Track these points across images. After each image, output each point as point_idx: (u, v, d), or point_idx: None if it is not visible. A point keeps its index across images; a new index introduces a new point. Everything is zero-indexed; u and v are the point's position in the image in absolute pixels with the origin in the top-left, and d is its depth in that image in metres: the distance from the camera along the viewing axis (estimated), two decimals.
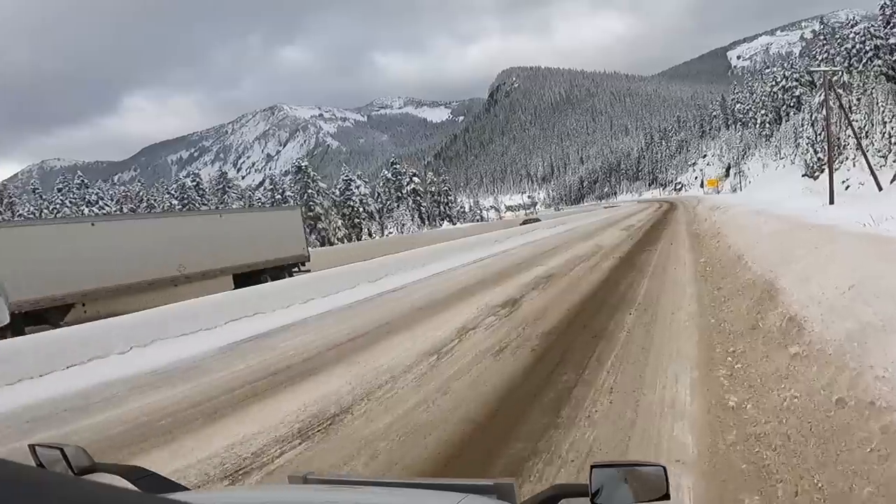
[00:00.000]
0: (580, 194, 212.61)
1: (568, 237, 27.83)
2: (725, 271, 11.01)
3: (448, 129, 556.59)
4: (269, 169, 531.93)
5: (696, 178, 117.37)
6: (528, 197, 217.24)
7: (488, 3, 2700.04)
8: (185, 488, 1.57)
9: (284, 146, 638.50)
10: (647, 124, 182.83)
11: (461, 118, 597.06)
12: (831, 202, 33.02)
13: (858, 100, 49.25)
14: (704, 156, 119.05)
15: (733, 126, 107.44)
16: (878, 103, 47.56)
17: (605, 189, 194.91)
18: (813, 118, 56.76)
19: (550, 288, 12.12)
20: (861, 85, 52.28)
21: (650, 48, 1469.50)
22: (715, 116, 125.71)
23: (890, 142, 44.37)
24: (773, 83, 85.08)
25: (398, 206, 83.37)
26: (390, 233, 74.92)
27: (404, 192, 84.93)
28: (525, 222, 47.81)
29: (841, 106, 37.94)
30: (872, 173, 34.10)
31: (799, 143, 63.12)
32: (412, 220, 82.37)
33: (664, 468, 1.41)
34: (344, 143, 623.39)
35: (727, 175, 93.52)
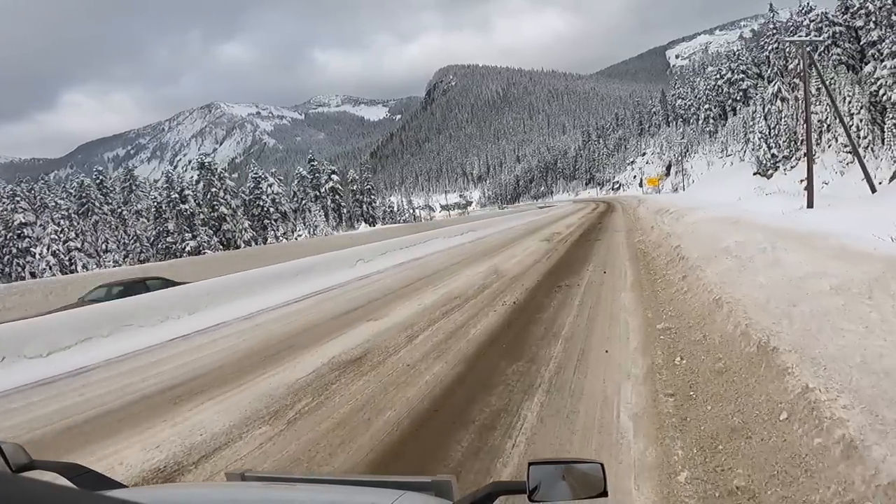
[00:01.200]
0: (516, 193, 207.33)
1: (468, 252, 21.42)
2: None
3: (385, 128, 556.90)
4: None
5: (634, 176, 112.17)
6: (461, 196, 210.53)
7: (429, 1, 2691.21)
8: (122, 485, 1.59)
9: (221, 144, 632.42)
10: (585, 122, 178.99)
11: (398, 116, 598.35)
12: (810, 205, 26.58)
13: (818, 90, 43.55)
14: (643, 154, 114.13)
15: (674, 123, 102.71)
16: (841, 93, 41.90)
17: (542, 188, 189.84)
18: (766, 110, 51.26)
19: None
20: (818, 75, 46.64)
21: (590, 47, 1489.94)
22: (655, 113, 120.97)
23: (859, 135, 38.60)
24: (718, 76, 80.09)
25: (316, 205, 76.38)
26: (300, 235, 67.26)
27: (322, 190, 78.87)
28: None
29: (807, 95, 31.71)
30: (865, 171, 27.97)
31: (749, 139, 57.75)
32: (326, 220, 75.40)
33: (601, 465, 1.46)
34: (280, 142, 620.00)
35: (668, 174, 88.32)
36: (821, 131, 45.15)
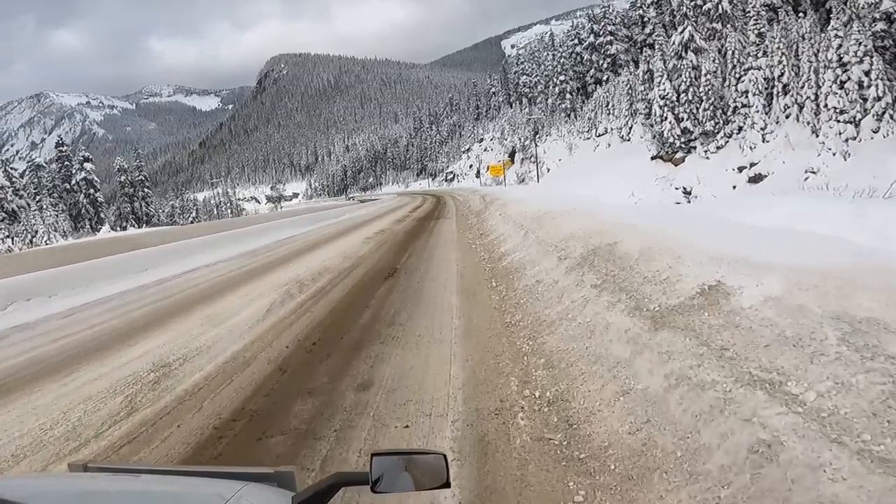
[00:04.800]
0: (343, 185, 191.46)
1: None
2: None
3: (217, 118, 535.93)
4: (34, 157, 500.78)
5: (471, 166, 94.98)
6: (273, 188, 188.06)
7: None
8: None
9: (50, 134, 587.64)
10: (418, 110, 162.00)
11: (231, 106, 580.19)
12: None
13: (760, 35, 26.71)
14: (481, 140, 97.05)
15: (517, 103, 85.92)
16: (805, 39, 25.60)
17: (370, 179, 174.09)
18: (669, 67, 33.94)
19: None
20: (757, 18, 30.28)
21: (428, 37, 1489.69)
22: (494, 94, 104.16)
23: (860, 95, 22.02)
24: (576, 41, 63.36)
25: (63, 201, 59.21)
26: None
27: (73, 182, 60.29)
28: None
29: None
30: None
31: (638, 110, 40.86)
32: (76, 222, 58.27)
33: (444, 456, 1.50)
34: (110, 132, 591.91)
35: (512, 161, 70.97)
36: (770, 93, 28.40)
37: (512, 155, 73.69)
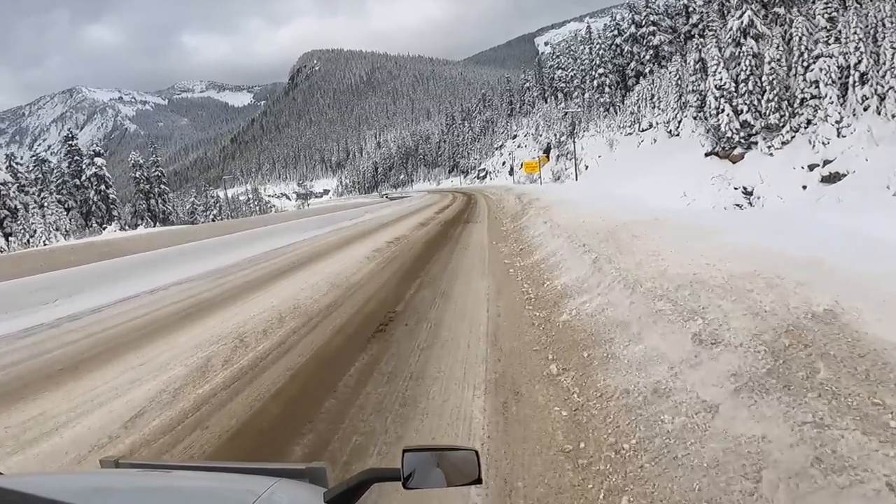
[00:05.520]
0: (374, 182, 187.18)
1: None
2: None
3: (250, 114, 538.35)
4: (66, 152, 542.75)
5: (503, 163, 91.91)
6: (300, 185, 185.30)
7: None
8: None
9: (81, 129, 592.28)
10: (451, 107, 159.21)
11: (263, 103, 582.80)
12: None
13: (831, 20, 23.94)
14: (514, 136, 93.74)
15: (553, 98, 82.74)
16: (886, 24, 22.96)
17: (402, 176, 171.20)
18: (726, 56, 30.83)
19: None
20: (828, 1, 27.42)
21: (463, 34, 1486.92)
22: (528, 89, 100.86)
23: None
24: (616, 33, 60.04)
25: (70, 198, 56.03)
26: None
27: (83, 178, 56.99)
28: None
29: None
30: None
31: (688, 102, 37.84)
32: (87, 220, 55.54)
33: (476, 452, 1.48)
34: (142, 127, 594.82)
35: (548, 157, 67.88)
36: (845, 83, 25.29)
37: (547, 151, 70.73)
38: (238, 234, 21.64)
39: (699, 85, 35.15)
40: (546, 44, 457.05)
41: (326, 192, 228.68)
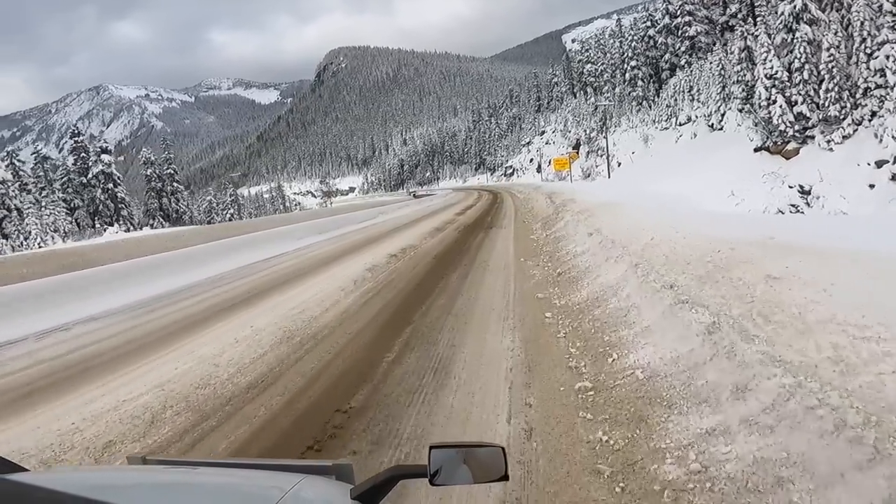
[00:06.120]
0: (400, 179, 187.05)
1: None
2: None
3: (276, 112, 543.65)
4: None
5: (531, 160, 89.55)
6: (322, 182, 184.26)
7: None
8: (23, 469, 1.52)
9: (108, 126, 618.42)
10: (477, 104, 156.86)
11: (290, 100, 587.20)
12: None
13: None
14: (542, 133, 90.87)
15: (582, 93, 80.00)
16: None
17: (427, 174, 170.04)
18: (777, 43, 28.19)
19: None
20: None
21: (490, 31, 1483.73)
22: (556, 84, 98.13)
23: None
24: (649, 24, 57.20)
25: (77, 197, 53.70)
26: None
27: (90, 176, 54.42)
28: None
29: None
30: None
31: (732, 93, 35.20)
32: (94, 220, 53.46)
33: (503, 449, 1.45)
34: (169, 124, 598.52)
35: (577, 154, 65.20)
36: None
37: (576, 147, 68.19)
38: (217, 242, 19.05)
39: (745, 75, 32.46)
40: (573, 41, 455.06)
41: (352, 189, 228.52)
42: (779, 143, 27.49)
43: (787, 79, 27.17)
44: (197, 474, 1.57)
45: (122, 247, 18.85)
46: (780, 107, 26.87)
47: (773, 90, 27.40)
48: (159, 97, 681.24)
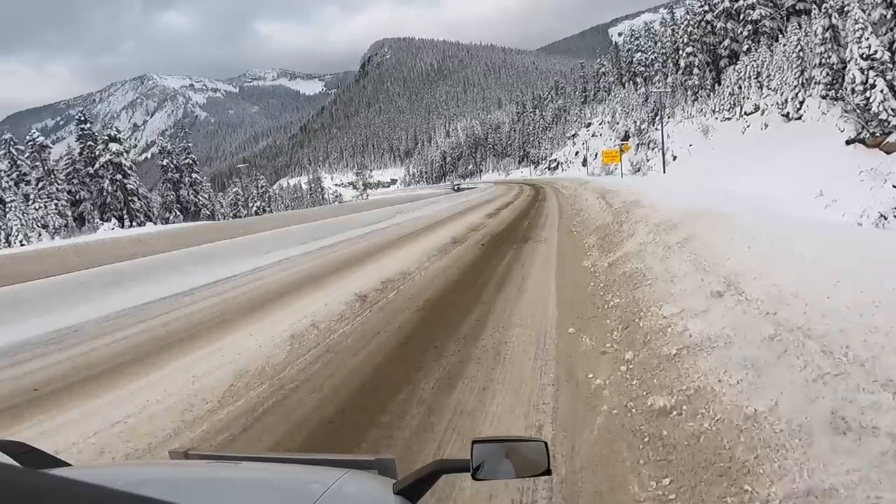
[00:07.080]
0: (442, 172, 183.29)
1: None
2: None
3: (320, 102, 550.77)
4: (136, 139, 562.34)
5: (576, 153, 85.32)
6: (357, 175, 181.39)
7: None
8: (67, 464, 1.52)
9: (152, 116, 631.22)
10: (521, 94, 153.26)
11: (334, 91, 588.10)
12: None
13: None
14: (588, 124, 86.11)
15: (631, 83, 75.55)
16: None
17: (470, 166, 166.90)
18: (880, 18, 23.84)
19: None
20: None
21: (537, 23, 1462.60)
22: (604, 73, 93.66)
23: None
24: (706, 8, 52.59)
25: (83, 188, 51.40)
26: None
27: (97, 166, 51.57)
28: None
29: None
30: None
31: (814, 78, 30.69)
32: (101, 217, 50.29)
33: (545, 443, 1.46)
34: (213, 115, 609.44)
35: (628, 146, 60.84)
36: None
37: (625, 138, 63.87)
38: (183, 251, 14.58)
39: (830, 57, 28.02)
40: (620, 34, 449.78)
41: (394, 181, 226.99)
42: (877, 134, 23.08)
43: (888, 59, 22.82)
44: (238, 469, 1.57)
45: (92, 251, 15.62)
46: (882, 91, 22.54)
47: (871, 73, 23.05)
48: (203, 87, 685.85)
